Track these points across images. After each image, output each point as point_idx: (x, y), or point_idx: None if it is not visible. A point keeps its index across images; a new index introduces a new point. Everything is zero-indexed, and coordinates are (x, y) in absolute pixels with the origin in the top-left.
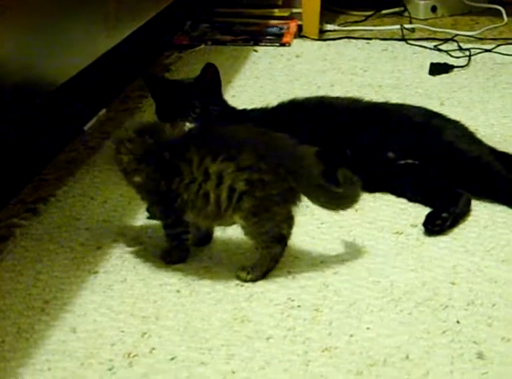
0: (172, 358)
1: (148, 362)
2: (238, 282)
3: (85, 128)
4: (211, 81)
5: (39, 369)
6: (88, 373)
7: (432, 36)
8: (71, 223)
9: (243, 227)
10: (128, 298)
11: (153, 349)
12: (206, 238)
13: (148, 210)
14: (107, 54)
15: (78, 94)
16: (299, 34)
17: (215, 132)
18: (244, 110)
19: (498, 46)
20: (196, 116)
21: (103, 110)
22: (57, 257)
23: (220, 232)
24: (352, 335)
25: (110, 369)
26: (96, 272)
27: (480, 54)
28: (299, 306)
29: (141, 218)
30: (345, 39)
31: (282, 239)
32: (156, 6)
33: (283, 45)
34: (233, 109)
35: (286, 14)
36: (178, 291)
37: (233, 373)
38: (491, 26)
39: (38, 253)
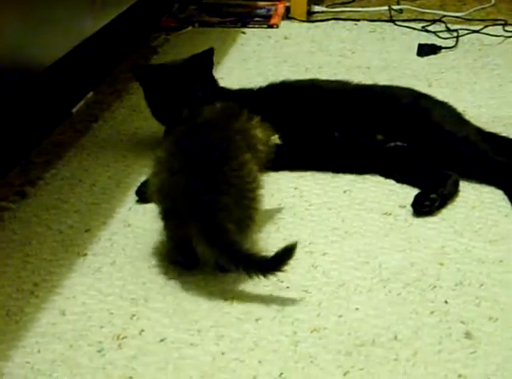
0: (161, 340)
1: (138, 343)
2: None
3: (73, 111)
4: (207, 63)
5: (29, 352)
6: (77, 355)
7: (420, 17)
8: (60, 206)
9: None
10: (117, 281)
11: (142, 331)
12: None
13: (137, 193)
14: (95, 37)
15: (66, 76)
16: (287, 15)
17: None
18: (233, 90)
19: (486, 27)
20: (200, 97)
21: (91, 93)
22: (46, 240)
23: None
24: (340, 316)
25: (99, 351)
26: (85, 255)
27: (467, 35)
28: (287, 288)
29: (129, 200)
30: (333, 21)
31: None
32: None
33: (271, 27)
34: (223, 89)
35: None
36: (166, 273)
37: (222, 354)
38: (479, 7)
39: (26, 236)
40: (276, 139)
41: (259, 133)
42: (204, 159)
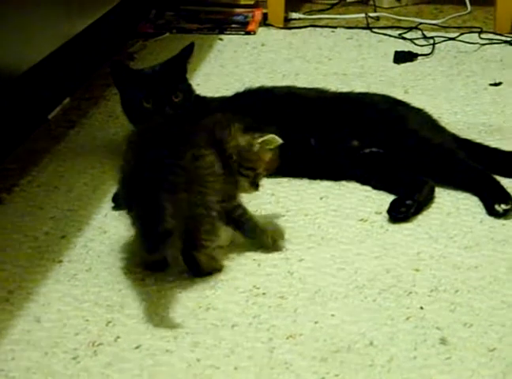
0: (137, 347)
1: (113, 350)
2: None
3: (50, 117)
4: (185, 63)
5: (3, 359)
6: (52, 363)
7: (397, 25)
8: (35, 213)
9: None
10: (93, 287)
11: (118, 337)
12: None
13: (113, 199)
14: (71, 42)
15: (42, 82)
16: (265, 22)
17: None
18: (209, 98)
19: (462, 34)
20: (178, 100)
21: (68, 99)
22: (21, 247)
23: None
24: (316, 322)
25: (74, 359)
26: (61, 262)
27: (443, 43)
28: (264, 294)
29: (105, 207)
30: (310, 28)
31: None
32: None
33: (248, 33)
34: (198, 96)
35: (251, 2)
36: (143, 280)
37: (198, 360)
38: (455, 14)
39: (1, 243)
40: (273, 140)
41: (241, 141)
42: (159, 148)
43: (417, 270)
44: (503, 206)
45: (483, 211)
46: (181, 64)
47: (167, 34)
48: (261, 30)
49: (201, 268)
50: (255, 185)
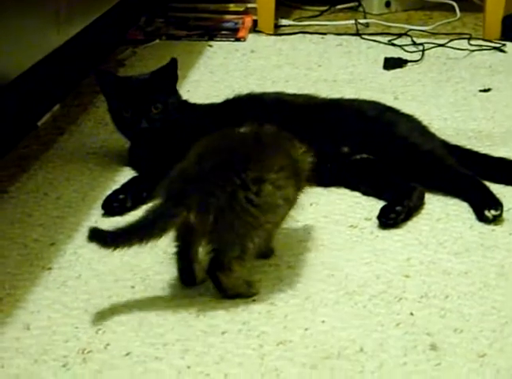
0: (127, 354)
1: (103, 357)
2: None
3: (39, 123)
4: (171, 75)
5: None
6: (42, 370)
7: (386, 31)
8: (24, 220)
9: None
10: (82, 294)
11: (108, 345)
12: None
13: (103, 206)
14: (60, 49)
15: (31, 89)
16: (254, 29)
17: None
18: (198, 104)
19: (451, 41)
20: (158, 111)
21: (57, 106)
22: (10, 254)
23: None
24: (306, 329)
25: (64, 366)
26: (50, 269)
27: (433, 49)
28: (253, 301)
29: (95, 214)
30: (300, 34)
31: None
32: (109, 1)
33: (238, 40)
34: (186, 102)
35: (241, 9)
36: (132, 287)
37: (188, 367)
38: (445, 21)
39: None
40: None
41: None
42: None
43: (407, 276)
44: (493, 212)
45: (473, 217)
46: (167, 75)
47: (157, 41)
48: (251, 36)
49: (224, 289)
50: None
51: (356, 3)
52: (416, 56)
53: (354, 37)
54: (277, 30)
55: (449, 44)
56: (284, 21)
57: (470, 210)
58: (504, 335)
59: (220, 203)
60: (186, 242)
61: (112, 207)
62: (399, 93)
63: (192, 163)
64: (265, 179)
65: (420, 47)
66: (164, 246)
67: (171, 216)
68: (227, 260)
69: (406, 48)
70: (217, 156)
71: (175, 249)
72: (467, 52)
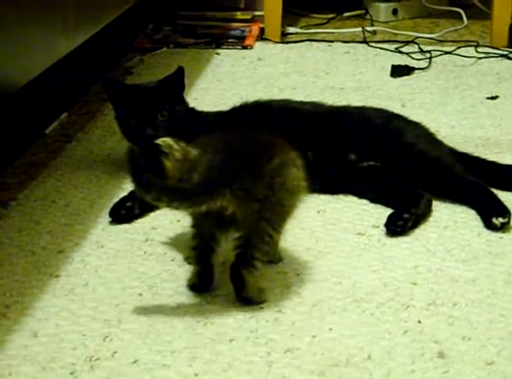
0: (134, 361)
1: (111, 365)
2: None
3: (47, 131)
4: (178, 84)
5: (0, 375)
6: (49, 378)
7: (393, 39)
8: (32, 227)
9: None
10: (90, 302)
11: (115, 352)
12: None
13: (110, 214)
14: (68, 57)
15: (39, 97)
16: (262, 37)
17: None
18: (206, 112)
19: (459, 48)
20: (164, 119)
21: (65, 114)
22: (18, 261)
23: (184, 236)
24: (314, 336)
25: (72, 374)
26: (58, 276)
27: (440, 57)
28: (261, 308)
29: (103, 221)
30: (307, 42)
31: None
32: (116, 9)
33: (245, 48)
34: (194, 110)
35: (248, 17)
36: (140, 294)
37: (196, 375)
38: (452, 28)
39: None
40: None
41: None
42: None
43: (415, 284)
44: (501, 219)
45: (481, 224)
46: (174, 83)
47: (164, 49)
48: (258, 44)
49: (246, 289)
50: None
51: (363, 11)
52: (423, 63)
53: (361, 45)
54: (284, 38)
55: (456, 52)
56: (291, 29)
57: (478, 217)
58: None
59: (260, 191)
60: (207, 241)
61: (120, 214)
62: (406, 101)
63: (221, 155)
64: (287, 162)
65: (427, 55)
66: (172, 254)
67: (218, 193)
68: (256, 254)
69: (413, 56)
70: (243, 149)
71: (194, 252)
72: (474, 59)
